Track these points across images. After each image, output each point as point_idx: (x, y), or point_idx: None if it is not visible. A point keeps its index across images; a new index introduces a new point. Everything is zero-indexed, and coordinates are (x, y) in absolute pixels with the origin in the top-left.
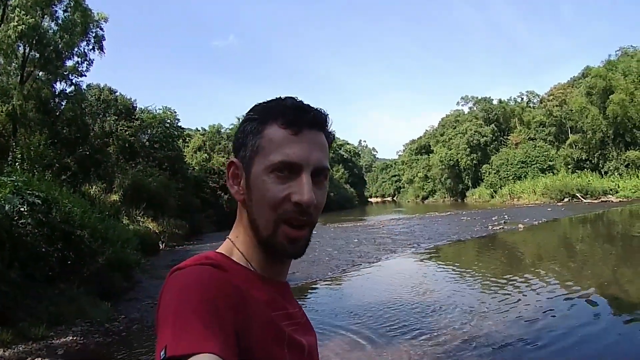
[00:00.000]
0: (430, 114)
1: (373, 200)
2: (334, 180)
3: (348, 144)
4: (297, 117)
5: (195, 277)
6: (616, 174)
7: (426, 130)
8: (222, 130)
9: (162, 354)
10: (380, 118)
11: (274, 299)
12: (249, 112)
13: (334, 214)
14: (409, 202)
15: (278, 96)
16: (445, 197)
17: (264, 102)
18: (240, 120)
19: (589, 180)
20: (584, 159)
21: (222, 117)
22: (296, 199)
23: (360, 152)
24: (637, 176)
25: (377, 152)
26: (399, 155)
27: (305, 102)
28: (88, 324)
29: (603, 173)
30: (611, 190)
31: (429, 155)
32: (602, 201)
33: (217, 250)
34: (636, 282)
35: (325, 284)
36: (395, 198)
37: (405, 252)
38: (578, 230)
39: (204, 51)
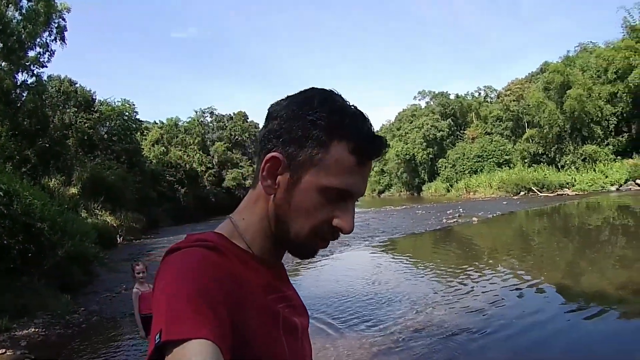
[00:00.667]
0: (387, 108)
1: None
2: None
3: None
4: (369, 147)
5: (190, 260)
6: (573, 167)
7: (382, 124)
8: (180, 124)
9: (157, 337)
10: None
11: (270, 282)
12: (317, 112)
13: None
14: (365, 196)
15: (349, 103)
16: (401, 191)
17: (333, 105)
18: (295, 104)
19: (545, 174)
20: (540, 153)
21: (181, 110)
22: (340, 226)
23: None
24: (594, 170)
25: None
26: None
27: (372, 126)
28: (49, 316)
29: (560, 167)
30: (567, 183)
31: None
32: (558, 195)
33: (216, 230)
34: (588, 273)
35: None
36: None
37: (360, 246)
38: (533, 223)
39: (163, 42)
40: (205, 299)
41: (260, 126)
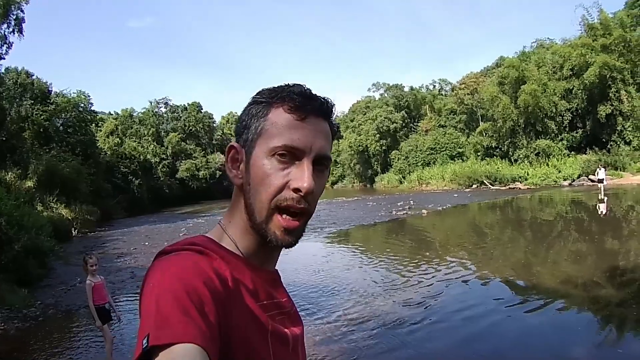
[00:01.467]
0: (341, 99)
1: None
2: None
3: None
4: (304, 103)
5: (178, 264)
6: (526, 162)
7: (336, 115)
8: (134, 115)
9: (144, 342)
10: None
11: (261, 287)
12: (255, 95)
13: None
14: None
15: (286, 83)
16: (354, 183)
17: (271, 87)
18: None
19: (498, 168)
20: (493, 146)
21: (136, 100)
22: (296, 185)
23: None
24: (547, 165)
25: None
26: None
27: (312, 91)
28: (7, 310)
29: (513, 161)
30: (520, 177)
31: (338, 140)
32: (509, 188)
33: (206, 234)
34: (535, 266)
35: None
36: None
37: (309, 237)
38: (481, 216)
39: (119, 32)
40: (193, 303)
41: (215, 116)
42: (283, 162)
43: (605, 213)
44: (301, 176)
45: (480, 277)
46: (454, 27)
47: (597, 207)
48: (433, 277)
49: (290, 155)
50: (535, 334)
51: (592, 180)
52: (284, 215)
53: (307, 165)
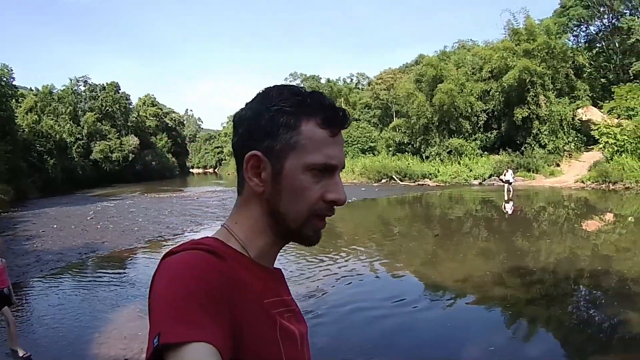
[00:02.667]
0: (260, 88)
1: (195, 171)
2: (157, 149)
3: (174, 112)
4: (335, 118)
5: (188, 263)
6: (437, 159)
7: None
8: (54, 92)
9: (155, 341)
10: (210, 88)
11: (269, 286)
12: (278, 100)
13: (154, 183)
14: (229, 174)
15: (297, 85)
16: None
17: (290, 92)
18: (258, 105)
19: (408, 164)
20: (406, 142)
21: (58, 77)
22: (333, 198)
23: (185, 122)
24: (459, 163)
25: (202, 122)
26: (223, 127)
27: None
28: None
29: (424, 158)
30: (430, 174)
31: None
32: (418, 184)
33: (212, 236)
34: (434, 263)
35: (131, 254)
36: (216, 170)
37: (212, 225)
38: (389, 210)
39: (50, 6)
40: (204, 301)
41: (132, 97)
42: (317, 176)
43: (511, 213)
44: (337, 189)
45: (376, 270)
46: (381, 22)
47: (503, 207)
48: (332, 269)
49: (324, 170)
50: (421, 328)
51: (502, 181)
52: (317, 220)
53: (339, 178)
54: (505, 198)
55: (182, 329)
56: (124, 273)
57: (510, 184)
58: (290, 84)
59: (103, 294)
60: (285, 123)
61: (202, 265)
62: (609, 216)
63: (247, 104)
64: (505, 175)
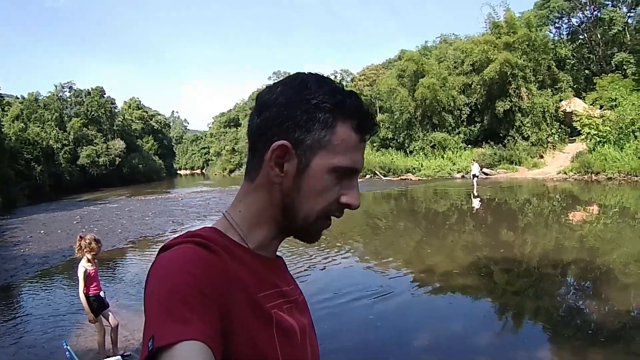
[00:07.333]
0: (245, 87)
1: (182, 172)
2: (143, 152)
3: (159, 114)
4: (369, 124)
5: (180, 259)
6: (421, 153)
7: (236, 103)
8: (40, 99)
9: (149, 344)
10: (196, 89)
11: (266, 278)
12: (318, 95)
13: (141, 186)
14: (216, 175)
15: (337, 82)
16: None
17: (331, 86)
18: (285, 91)
19: (392, 159)
20: (390, 137)
21: (43, 84)
22: (348, 201)
23: (171, 123)
24: (442, 157)
25: (188, 123)
26: (209, 127)
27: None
28: None
29: (408, 152)
30: (414, 169)
31: (237, 128)
32: (401, 179)
33: (212, 226)
34: (399, 254)
35: (111, 254)
36: (204, 171)
37: (194, 225)
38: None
39: (36, 13)
40: (196, 300)
41: (118, 102)
42: (339, 178)
43: (478, 209)
44: (353, 194)
45: (340, 264)
46: (365, 19)
47: (471, 202)
48: (311, 262)
49: (346, 173)
50: (383, 317)
51: (485, 175)
52: (324, 220)
53: (356, 183)
54: (474, 193)
55: (173, 329)
56: (104, 271)
57: (476, 177)
58: (325, 75)
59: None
60: (323, 120)
61: (193, 262)
62: (592, 207)
63: (276, 87)
64: (471, 169)
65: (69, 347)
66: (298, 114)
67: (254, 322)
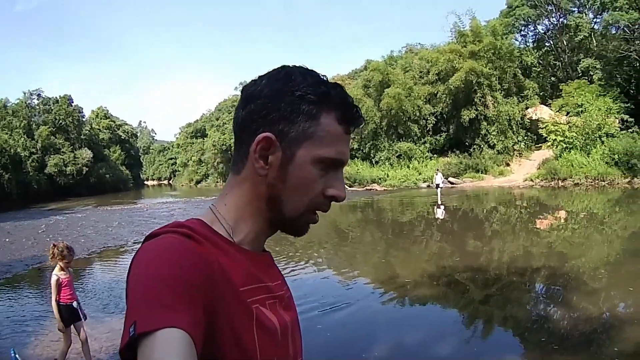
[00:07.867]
0: (207, 98)
1: (149, 183)
2: (111, 162)
3: (127, 124)
4: (354, 116)
5: (164, 247)
6: (387, 163)
7: (203, 114)
8: (8, 105)
9: (131, 329)
10: (163, 98)
11: (250, 272)
12: (303, 86)
13: (108, 196)
14: (183, 185)
15: (321, 74)
16: (217, 182)
17: (315, 81)
18: (274, 82)
19: (358, 169)
20: (355, 148)
21: (11, 91)
22: (334, 194)
23: (138, 133)
24: (408, 166)
25: (156, 133)
26: (177, 138)
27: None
28: None
29: (374, 162)
30: (380, 179)
31: (203, 138)
32: (367, 189)
33: (197, 217)
34: (365, 264)
35: (73, 265)
36: (171, 181)
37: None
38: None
39: (6, 17)
40: (180, 289)
41: (86, 110)
42: (324, 170)
43: (443, 218)
44: (339, 186)
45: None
46: (331, 28)
47: (435, 212)
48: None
49: (332, 165)
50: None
51: (451, 184)
52: (311, 214)
53: (342, 176)
54: (438, 202)
55: (155, 316)
56: None
57: (440, 187)
58: (311, 69)
59: (42, 299)
60: (307, 111)
61: (178, 251)
62: (559, 213)
63: (261, 79)
64: (434, 179)
65: (17, 356)
66: (282, 106)
67: (236, 315)
